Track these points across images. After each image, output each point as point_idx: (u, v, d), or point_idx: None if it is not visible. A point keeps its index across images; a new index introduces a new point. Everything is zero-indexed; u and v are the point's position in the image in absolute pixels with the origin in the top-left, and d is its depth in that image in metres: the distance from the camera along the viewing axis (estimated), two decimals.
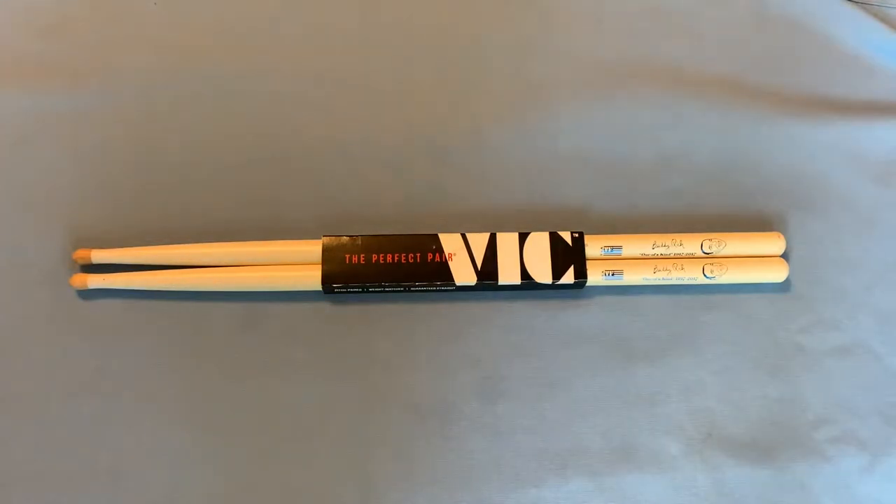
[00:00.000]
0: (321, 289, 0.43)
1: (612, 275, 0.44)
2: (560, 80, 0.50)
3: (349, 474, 0.40)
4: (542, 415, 0.42)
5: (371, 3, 0.53)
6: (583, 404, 0.42)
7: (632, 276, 0.44)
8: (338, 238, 0.43)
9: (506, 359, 0.43)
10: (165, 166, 0.47)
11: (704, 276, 0.44)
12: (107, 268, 0.44)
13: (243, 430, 0.41)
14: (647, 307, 0.44)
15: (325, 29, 0.52)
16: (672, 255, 0.45)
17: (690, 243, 0.45)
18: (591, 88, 0.50)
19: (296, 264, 0.44)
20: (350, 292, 0.44)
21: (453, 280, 0.43)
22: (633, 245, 0.45)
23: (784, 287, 0.45)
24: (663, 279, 0.44)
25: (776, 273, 0.45)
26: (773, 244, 0.45)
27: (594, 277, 0.44)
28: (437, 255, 0.43)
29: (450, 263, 0.43)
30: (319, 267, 0.43)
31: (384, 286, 0.43)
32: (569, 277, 0.43)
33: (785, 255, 0.46)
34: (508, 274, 0.43)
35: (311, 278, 0.43)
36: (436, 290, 0.44)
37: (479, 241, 0.44)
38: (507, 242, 0.44)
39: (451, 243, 0.43)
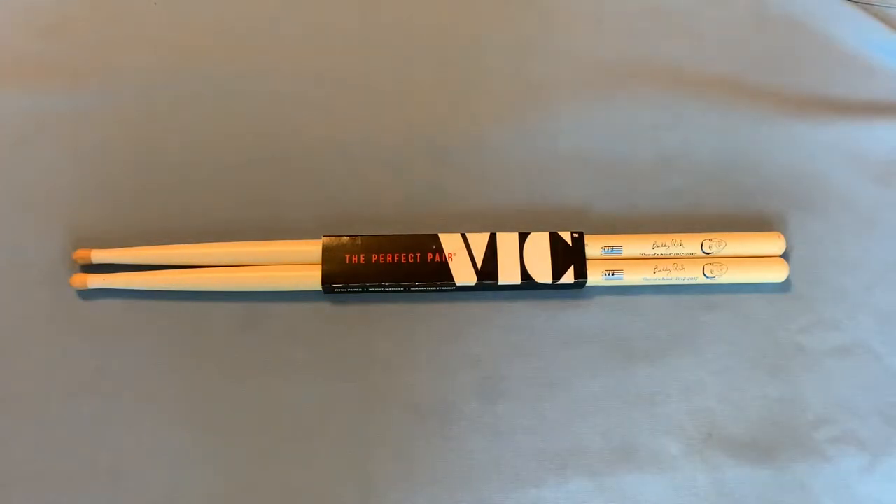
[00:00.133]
0: (321, 289, 0.43)
1: (612, 275, 0.44)
2: (560, 80, 0.50)
3: (349, 474, 0.40)
4: (542, 415, 0.42)
5: (371, 3, 0.53)
6: (583, 404, 0.42)
7: (632, 276, 0.44)
8: (338, 238, 0.43)
9: (506, 359, 0.43)
10: (165, 166, 0.47)
11: (704, 276, 0.44)
12: (107, 268, 0.44)
13: (243, 430, 0.41)
14: (647, 307, 0.44)
15: (325, 29, 0.52)
16: (672, 255, 0.45)
17: (690, 243, 0.45)
18: (591, 88, 0.50)
19: (296, 264, 0.44)
20: (350, 292, 0.44)
21: (453, 280, 0.43)
22: (633, 245, 0.45)
23: (784, 287, 0.45)
24: (663, 279, 0.44)
25: (776, 273, 0.45)
26: (773, 244, 0.45)
27: (594, 277, 0.44)
28: (437, 255, 0.43)
29: (450, 263, 0.43)
30: (319, 267, 0.43)
31: (384, 286, 0.43)
32: (569, 277, 0.43)
33: (785, 255, 0.46)
34: (508, 274, 0.43)
35: (311, 278, 0.43)
36: (436, 290, 0.44)
37: (479, 241, 0.44)
38: (507, 242, 0.44)
39: (451, 243, 0.43)
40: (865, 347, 0.44)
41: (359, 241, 0.43)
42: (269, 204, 0.46)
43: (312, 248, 0.43)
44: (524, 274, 0.43)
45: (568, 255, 0.44)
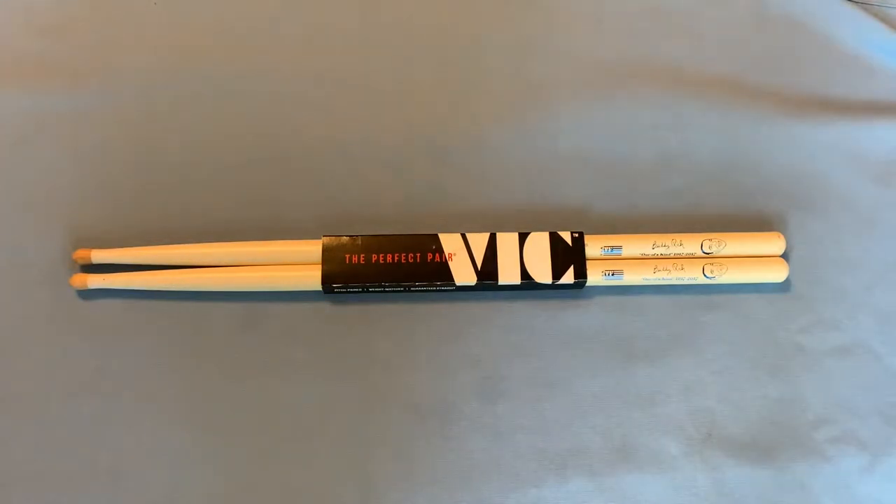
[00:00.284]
0: (321, 289, 0.43)
1: (612, 275, 0.44)
2: (560, 80, 0.50)
3: (349, 474, 0.40)
4: (542, 415, 0.42)
5: (371, 3, 0.53)
6: (583, 404, 0.42)
7: (632, 276, 0.44)
8: (338, 238, 0.43)
9: (506, 359, 0.43)
10: (165, 166, 0.47)
11: (704, 276, 0.44)
12: (107, 268, 0.44)
13: (243, 430, 0.41)
14: (647, 307, 0.44)
15: (325, 29, 0.52)
16: (672, 255, 0.45)
17: (690, 243, 0.45)
18: (591, 88, 0.50)
19: (296, 264, 0.44)
20: (350, 292, 0.44)
21: (453, 280, 0.43)
22: (633, 245, 0.45)
23: (784, 287, 0.45)
24: (663, 279, 0.44)
25: (776, 273, 0.45)
26: (773, 244, 0.45)
27: (594, 277, 0.44)
28: (437, 255, 0.43)
29: (450, 263, 0.43)
30: (319, 267, 0.43)
31: (384, 286, 0.43)
32: (569, 277, 0.43)
33: (785, 255, 0.46)
34: (508, 274, 0.43)
35: (311, 278, 0.43)
36: (436, 290, 0.44)
37: (479, 241, 0.44)
38: (507, 242, 0.44)
39: (451, 243, 0.43)
40: (865, 347, 0.44)
41: (359, 241, 0.43)
42: (269, 204, 0.46)
43: (312, 248, 0.43)
44: (524, 274, 0.43)
45: (568, 255, 0.44)
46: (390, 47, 0.51)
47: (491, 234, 0.44)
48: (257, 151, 0.48)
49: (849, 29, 0.52)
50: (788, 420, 0.42)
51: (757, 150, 0.49)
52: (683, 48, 0.52)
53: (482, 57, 0.51)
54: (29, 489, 0.39)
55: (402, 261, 0.43)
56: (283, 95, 0.49)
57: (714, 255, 0.45)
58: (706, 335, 0.44)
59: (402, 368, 0.43)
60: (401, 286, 0.43)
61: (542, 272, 0.43)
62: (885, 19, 0.53)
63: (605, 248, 0.44)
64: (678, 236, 0.45)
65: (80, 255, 0.43)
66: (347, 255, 0.43)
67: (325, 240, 0.43)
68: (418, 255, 0.43)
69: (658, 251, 0.45)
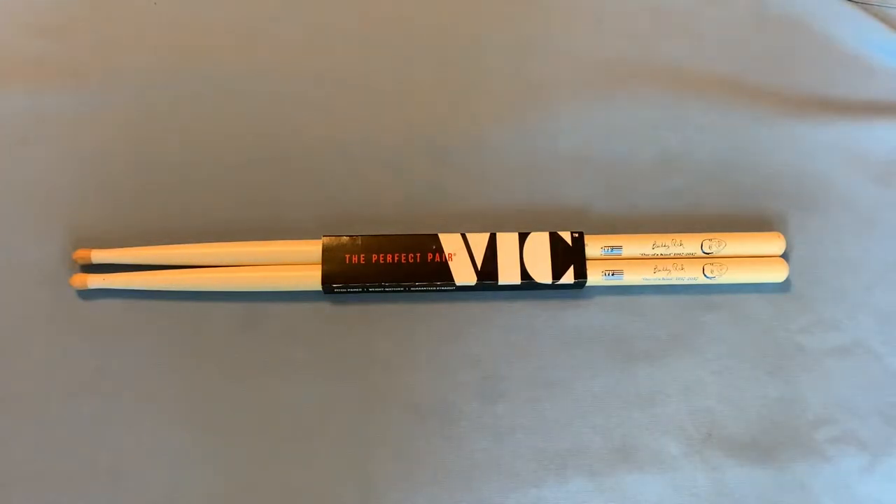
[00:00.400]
0: (321, 289, 0.43)
1: (612, 275, 0.44)
2: (560, 80, 0.50)
3: (349, 474, 0.40)
4: (542, 415, 0.42)
5: (371, 3, 0.53)
6: (583, 404, 0.42)
7: (632, 276, 0.44)
8: (338, 238, 0.43)
9: (506, 359, 0.43)
10: (165, 166, 0.47)
11: (704, 276, 0.44)
12: (107, 268, 0.44)
13: (243, 430, 0.41)
14: (647, 307, 0.44)
15: (325, 29, 0.52)
16: (672, 255, 0.45)
17: (690, 243, 0.45)
18: (591, 88, 0.50)
19: (296, 264, 0.44)
20: (350, 292, 0.44)
21: (453, 280, 0.43)
22: (633, 245, 0.45)
23: (784, 287, 0.45)
24: (663, 279, 0.44)
25: (776, 273, 0.45)
26: (773, 244, 0.45)
27: (594, 277, 0.44)
28: (437, 255, 0.43)
29: (450, 263, 0.43)
30: (319, 267, 0.43)
31: (384, 286, 0.43)
32: (569, 277, 0.43)
33: (785, 255, 0.46)
34: (508, 274, 0.43)
35: (311, 278, 0.43)
36: (436, 290, 0.44)
37: (479, 241, 0.44)
38: (507, 242, 0.44)
39: (451, 243, 0.43)
40: (865, 347, 0.44)
41: (359, 241, 0.43)
42: (269, 204, 0.46)
43: (312, 248, 0.43)
44: (524, 274, 0.43)
45: (568, 255, 0.44)
46: (390, 47, 0.51)
47: (491, 234, 0.44)
48: (257, 151, 0.48)
49: (849, 29, 0.52)
50: (788, 420, 0.42)
51: (757, 150, 0.49)
52: (683, 48, 0.52)
53: (482, 57, 0.51)
54: (29, 489, 0.39)
55: (402, 261, 0.43)
56: (283, 95, 0.49)
57: (714, 255, 0.45)
58: (706, 335, 0.44)
59: (402, 368, 0.43)
60: (401, 286, 0.43)
61: (542, 272, 0.43)
62: (885, 19, 0.53)
63: (605, 248, 0.44)
64: (678, 236, 0.45)
65: (80, 255, 0.43)
66: (347, 255, 0.43)
67: (325, 240, 0.43)
68: (418, 255, 0.43)
69: (658, 251, 0.45)
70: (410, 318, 0.44)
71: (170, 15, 0.51)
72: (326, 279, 0.43)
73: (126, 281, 0.43)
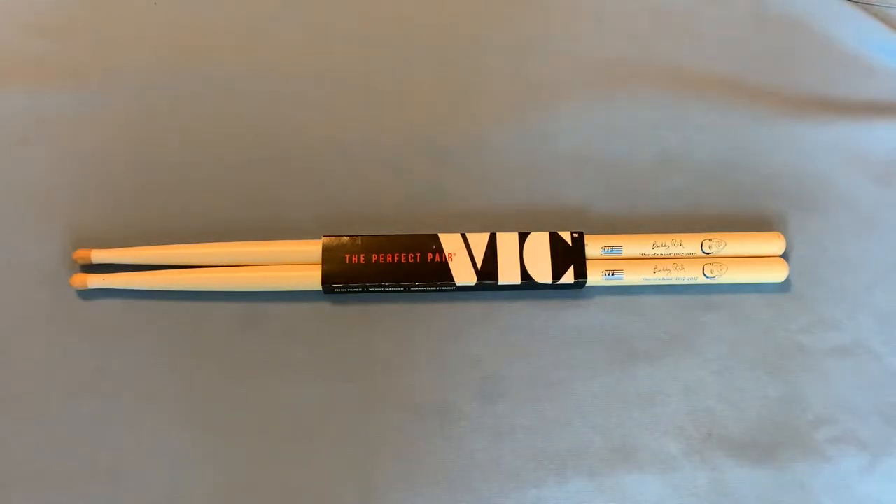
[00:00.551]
0: (321, 289, 0.43)
1: (612, 275, 0.44)
2: (560, 80, 0.50)
3: (349, 474, 0.40)
4: (541, 415, 0.42)
5: (371, 3, 0.53)
6: (583, 404, 0.42)
7: (632, 276, 0.44)
8: (338, 238, 0.43)
9: (506, 359, 0.43)
10: (165, 166, 0.47)
11: (704, 276, 0.44)
12: (107, 268, 0.44)
13: (243, 430, 0.41)
14: (647, 307, 0.44)
15: (325, 29, 0.52)
16: (672, 255, 0.45)
17: (690, 243, 0.45)
18: (591, 88, 0.50)
19: (296, 264, 0.44)
20: (350, 292, 0.44)
21: (453, 280, 0.43)
22: (633, 245, 0.45)
23: (784, 287, 0.45)
24: (663, 279, 0.44)
25: (776, 273, 0.45)
26: (773, 244, 0.45)
27: (594, 277, 0.44)
28: (437, 255, 0.43)
29: (450, 263, 0.43)
30: (319, 267, 0.43)
31: (384, 286, 0.43)
32: (569, 277, 0.43)
33: (785, 255, 0.46)
34: (508, 274, 0.43)
35: (311, 278, 0.43)
36: (436, 290, 0.44)
37: (479, 241, 0.44)
38: (507, 242, 0.44)
39: (451, 243, 0.43)
40: (865, 347, 0.44)
41: (359, 241, 0.43)
42: (269, 204, 0.46)
43: (312, 248, 0.43)
44: (524, 274, 0.43)
45: (568, 255, 0.44)
46: (390, 47, 0.51)
47: (491, 234, 0.44)
48: (257, 151, 0.48)
49: (849, 29, 0.52)
50: (788, 420, 0.42)
51: (757, 150, 0.49)
52: (683, 48, 0.52)
53: (482, 57, 0.51)
54: (29, 489, 0.40)
55: (402, 261, 0.43)
56: (283, 95, 0.49)
57: (714, 255, 0.45)
58: (706, 335, 0.44)
59: (402, 368, 0.43)
60: (401, 286, 0.43)
61: (542, 272, 0.43)
62: (885, 19, 0.53)
63: (605, 248, 0.44)
64: (678, 236, 0.45)
65: (80, 255, 0.43)
66: (347, 255, 0.43)
67: (325, 240, 0.43)
68: (418, 255, 0.43)
69: (658, 251, 0.45)
70: (410, 318, 0.44)
71: (170, 15, 0.51)
72: (326, 279, 0.43)
73: (126, 281, 0.43)
